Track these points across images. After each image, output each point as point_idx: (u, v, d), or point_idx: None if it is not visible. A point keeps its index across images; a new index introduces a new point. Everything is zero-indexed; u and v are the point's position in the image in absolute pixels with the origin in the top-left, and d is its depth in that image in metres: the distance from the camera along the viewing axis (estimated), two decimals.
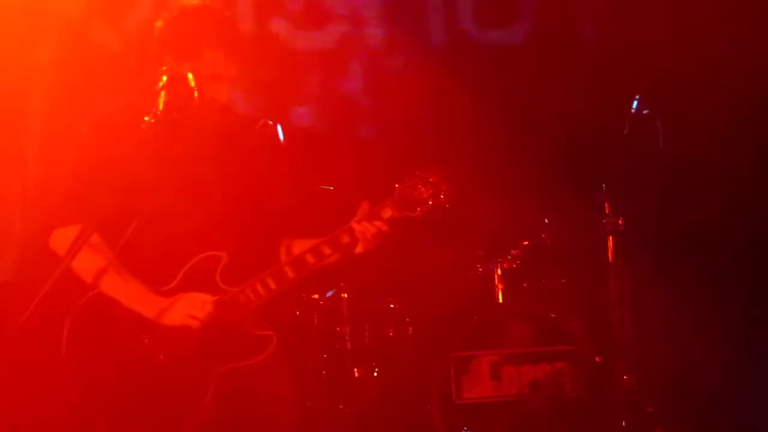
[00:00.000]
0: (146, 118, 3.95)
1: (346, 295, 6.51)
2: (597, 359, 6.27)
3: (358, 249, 4.16)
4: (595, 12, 8.05)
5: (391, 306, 6.81)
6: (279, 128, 6.65)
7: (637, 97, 6.52)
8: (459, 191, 4.12)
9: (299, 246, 4.32)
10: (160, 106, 3.97)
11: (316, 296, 6.56)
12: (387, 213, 4.14)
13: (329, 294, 6.60)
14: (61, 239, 4.25)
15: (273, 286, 4.17)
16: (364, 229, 4.12)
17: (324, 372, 6.60)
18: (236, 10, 7.86)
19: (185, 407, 4.13)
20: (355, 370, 6.60)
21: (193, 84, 4.03)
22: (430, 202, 4.10)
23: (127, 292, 4.16)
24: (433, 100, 7.91)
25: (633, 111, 6.50)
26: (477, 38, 8.27)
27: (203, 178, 4.27)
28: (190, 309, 4.14)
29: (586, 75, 7.73)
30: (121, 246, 4.10)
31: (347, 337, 6.51)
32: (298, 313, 6.65)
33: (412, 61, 8.15)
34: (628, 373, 6.42)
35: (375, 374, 6.70)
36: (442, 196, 4.11)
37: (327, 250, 4.16)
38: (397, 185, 4.14)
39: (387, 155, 7.68)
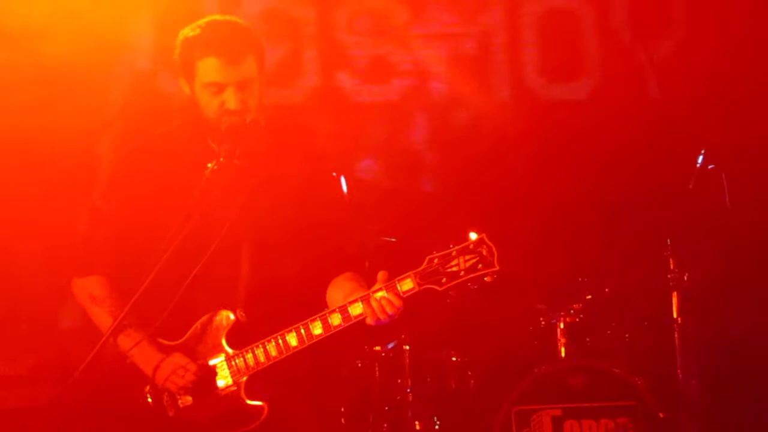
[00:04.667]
0: (209, 166, 3.95)
1: (407, 347, 6.51)
2: (661, 415, 6.19)
3: (369, 321, 3.89)
4: (660, 67, 8.04)
5: (453, 358, 6.79)
6: (342, 180, 6.67)
7: (703, 151, 6.48)
8: (501, 263, 3.76)
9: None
10: (222, 155, 3.96)
11: (377, 348, 6.56)
12: (407, 285, 3.85)
13: (391, 346, 6.59)
14: (78, 290, 4.30)
15: (274, 353, 4.00)
16: (378, 302, 3.85)
17: (385, 424, 6.59)
18: (302, 65, 8.00)
19: None
20: (417, 422, 6.57)
21: (254, 132, 4.04)
22: (462, 274, 3.79)
23: (137, 348, 4.09)
24: (497, 154, 7.93)
25: (698, 166, 6.46)
26: (542, 93, 8.29)
27: (246, 228, 4.16)
28: (169, 373, 4.06)
29: (651, 130, 7.71)
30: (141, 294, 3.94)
31: (409, 389, 6.49)
32: (359, 364, 6.64)
33: (477, 116, 8.19)
34: (693, 430, 6.32)
35: (436, 427, 6.68)
36: (480, 267, 3.77)
37: (336, 321, 3.93)
38: (427, 257, 3.84)
39: (450, 209, 7.70)
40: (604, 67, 8.25)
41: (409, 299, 3.89)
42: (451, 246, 3.82)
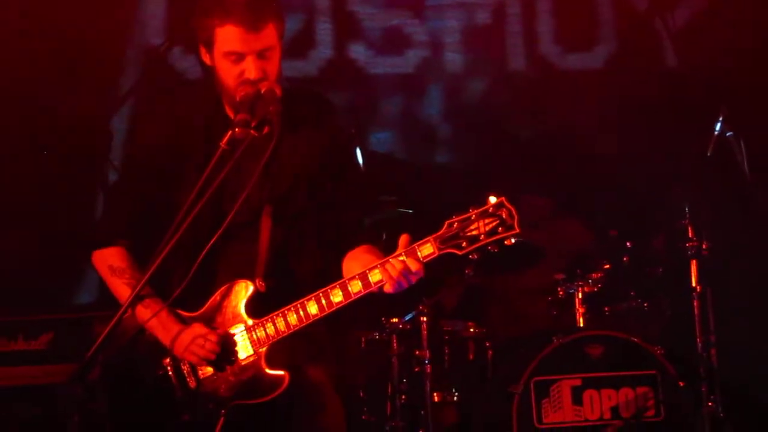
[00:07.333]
0: (226, 137, 3.92)
1: (425, 319, 6.47)
2: (681, 384, 6.16)
3: (388, 288, 3.84)
4: (677, 34, 7.99)
5: (471, 330, 6.77)
6: (358, 152, 6.61)
7: (721, 118, 6.43)
8: (522, 225, 3.70)
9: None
10: (237, 124, 3.92)
11: (395, 320, 6.53)
12: (427, 250, 3.79)
13: (409, 317, 6.56)
14: (98, 262, 4.26)
15: (294, 322, 3.95)
16: (398, 267, 3.81)
17: (403, 396, 6.57)
18: (315, 36, 7.97)
19: None
20: (435, 394, 6.56)
21: (270, 101, 4.00)
22: (482, 238, 3.73)
23: (155, 319, 4.07)
24: (512, 125, 7.90)
25: (716, 133, 6.41)
26: (557, 63, 8.24)
27: (263, 198, 4.14)
28: (188, 343, 4.02)
29: (668, 97, 7.66)
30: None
31: (427, 361, 6.46)
32: (377, 336, 6.63)
33: (492, 86, 8.15)
34: (713, 400, 6.30)
35: (455, 398, 6.67)
36: (500, 230, 3.71)
37: (356, 287, 3.88)
38: (447, 221, 3.78)
39: (466, 180, 7.68)
40: (619, 36, 8.20)
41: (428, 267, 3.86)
42: (471, 209, 3.76)
